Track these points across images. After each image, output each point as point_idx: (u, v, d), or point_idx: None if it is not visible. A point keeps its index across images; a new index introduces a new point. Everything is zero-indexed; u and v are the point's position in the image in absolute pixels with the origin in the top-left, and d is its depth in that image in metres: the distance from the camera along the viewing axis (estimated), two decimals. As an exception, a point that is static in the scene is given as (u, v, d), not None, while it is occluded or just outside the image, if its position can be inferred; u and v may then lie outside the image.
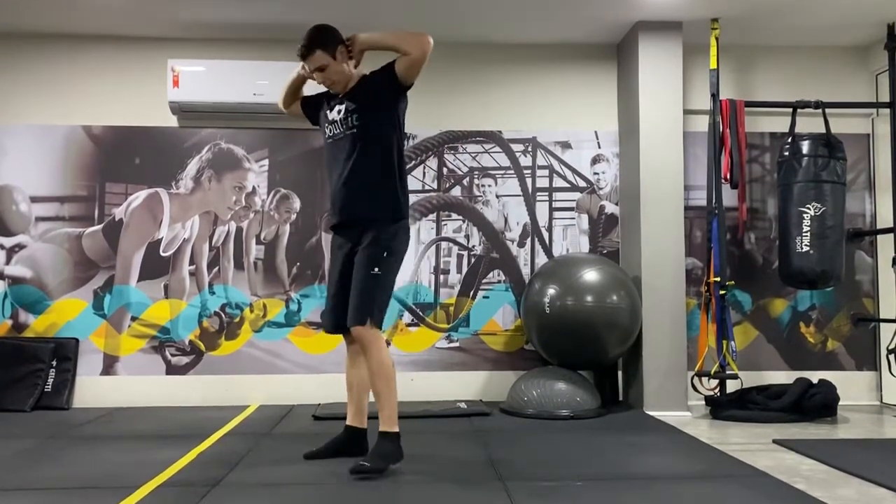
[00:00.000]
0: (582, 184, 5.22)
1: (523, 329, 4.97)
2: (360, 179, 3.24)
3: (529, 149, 5.21)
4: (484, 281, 5.15)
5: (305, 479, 3.09)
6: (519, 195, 5.19)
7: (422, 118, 5.13)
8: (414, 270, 5.09)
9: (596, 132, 5.23)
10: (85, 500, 2.82)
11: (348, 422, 3.41)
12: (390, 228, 3.24)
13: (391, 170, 3.26)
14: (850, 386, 5.00)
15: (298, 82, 3.49)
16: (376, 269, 3.19)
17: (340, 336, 3.41)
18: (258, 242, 5.06)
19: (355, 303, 3.18)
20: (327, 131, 3.37)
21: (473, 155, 5.19)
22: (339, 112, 3.31)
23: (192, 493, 2.85)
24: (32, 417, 4.52)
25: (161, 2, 4.50)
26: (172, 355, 4.96)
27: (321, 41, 3.22)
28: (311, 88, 3.53)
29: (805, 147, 4.69)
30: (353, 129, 3.25)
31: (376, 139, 3.25)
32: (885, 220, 5.06)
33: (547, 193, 5.20)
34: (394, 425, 3.19)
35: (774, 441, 3.83)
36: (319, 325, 5.01)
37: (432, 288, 5.10)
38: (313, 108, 3.51)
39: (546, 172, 5.21)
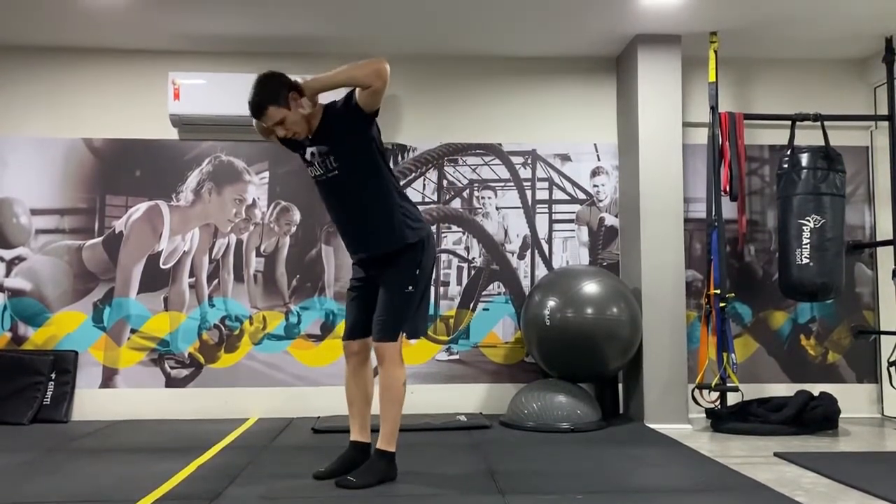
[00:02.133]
0: (581, 196, 5.22)
1: (523, 341, 4.97)
2: (361, 220, 3.18)
3: (529, 161, 5.22)
4: (484, 293, 5.14)
5: (305, 492, 3.08)
6: (519, 207, 5.20)
7: (422, 130, 5.16)
8: (414, 283, 5.09)
9: (595, 145, 5.24)
10: (83, 513, 2.81)
11: (353, 437, 3.32)
12: (415, 248, 3.18)
13: (388, 197, 3.16)
14: (851, 398, 4.99)
15: (265, 131, 3.25)
16: (410, 288, 3.16)
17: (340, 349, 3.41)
18: (258, 255, 5.07)
19: (384, 318, 3.15)
20: (309, 171, 3.24)
21: (473, 167, 5.20)
22: (313, 155, 3.16)
23: (192, 507, 2.84)
24: (31, 430, 4.51)
25: (162, 15, 4.52)
26: (172, 368, 4.95)
27: (270, 97, 3.04)
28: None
29: (804, 159, 4.70)
30: (335, 171, 3.12)
31: (362, 174, 3.13)
32: (884, 233, 5.06)
33: (547, 205, 5.21)
34: (391, 445, 3.19)
35: (775, 454, 3.81)
36: (319, 337, 5.02)
37: (432, 300, 5.10)
38: (290, 141, 3.27)
39: (546, 185, 5.21)
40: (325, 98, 3.18)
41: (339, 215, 3.26)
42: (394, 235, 3.15)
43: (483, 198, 5.20)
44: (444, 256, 5.15)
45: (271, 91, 3.05)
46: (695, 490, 3.14)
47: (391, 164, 3.37)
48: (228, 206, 5.07)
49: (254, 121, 3.25)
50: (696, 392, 4.66)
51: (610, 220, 5.21)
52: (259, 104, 3.06)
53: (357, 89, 3.06)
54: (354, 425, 3.33)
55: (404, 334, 3.23)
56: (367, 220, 3.16)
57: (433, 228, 5.12)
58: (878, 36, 4.86)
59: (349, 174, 3.12)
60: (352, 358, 3.33)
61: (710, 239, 4.78)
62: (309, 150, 3.18)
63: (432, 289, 5.06)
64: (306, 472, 3.33)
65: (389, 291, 3.16)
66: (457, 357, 5.09)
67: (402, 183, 5.10)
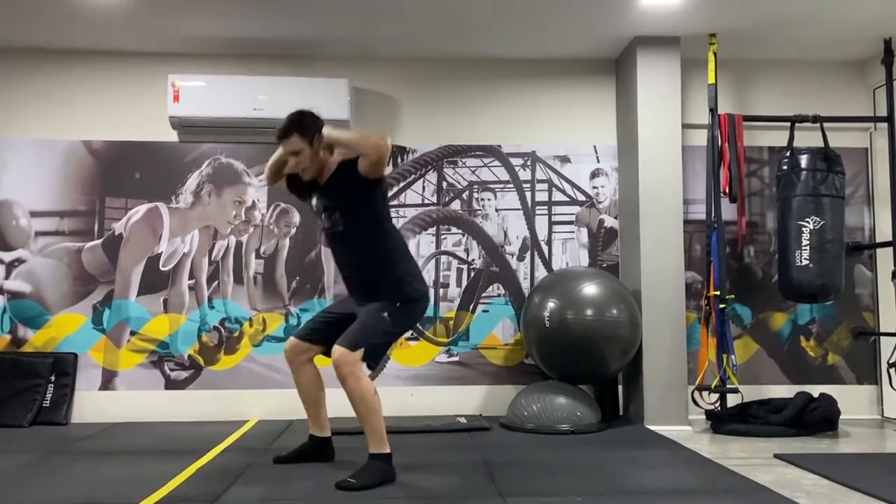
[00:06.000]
0: (581, 198, 5.22)
1: (523, 343, 4.96)
2: (363, 273, 3.36)
3: (528, 163, 5.22)
4: (483, 295, 5.14)
5: (305, 494, 3.08)
6: (518, 209, 5.20)
7: (421, 132, 5.16)
8: (413, 284, 5.09)
9: (595, 146, 5.24)
10: (83, 516, 2.81)
11: (310, 431, 3.61)
12: (406, 302, 3.34)
13: (389, 255, 3.34)
14: (851, 400, 4.99)
15: (282, 162, 3.49)
16: (385, 314, 3.26)
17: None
18: (258, 257, 5.06)
19: (353, 330, 3.25)
20: (317, 221, 3.50)
21: (473, 169, 5.20)
22: (321, 207, 3.39)
23: (191, 509, 2.84)
24: (31, 433, 4.51)
25: (162, 17, 4.53)
26: (171, 370, 4.95)
27: (300, 126, 3.28)
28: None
29: (804, 161, 4.71)
30: (339, 226, 3.34)
31: (366, 232, 3.32)
32: (883, 234, 5.06)
33: (546, 207, 5.21)
34: (382, 447, 3.21)
35: (775, 455, 3.81)
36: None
37: (432, 302, 5.10)
38: (298, 186, 3.55)
39: (545, 186, 5.22)
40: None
41: (342, 265, 3.48)
42: (391, 291, 3.31)
43: (483, 199, 5.20)
44: (443, 258, 5.15)
45: (304, 123, 3.30)
46: (695, 492, 3.14)
47: (396, 227, 3.55)
48: (228, 208, 5.07)
49: (266, 166, 3.59)
50: (696, 394, 4.66)
51: (609, 221, 5.21)
52: (288, 128, 3.30)
53: (359, 161, 3.24)
54: (310, 421, 3.60)
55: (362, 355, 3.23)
56: (368, 275, 3.35)
57: (433, 230, 5.13)
58: (877, 38, 4.87)
59: (353, 231, 3.33)
60: (296, 359, 3.49)
61: (709, 240, 4.78)
62: (317, 200, 3.41)
63: (431, 291, 5.07)
64: (306, 475, 3.34)
65: (366, 312, 3.30)
66: (456, 359, 5.09)
67: (401, 185, 5.12)
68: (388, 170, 5.10)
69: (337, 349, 3.19)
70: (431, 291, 5.09)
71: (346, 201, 3.31)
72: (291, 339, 3.55)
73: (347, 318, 3.36)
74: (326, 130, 3.31)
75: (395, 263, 3.34)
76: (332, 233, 3.40)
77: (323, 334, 3.45)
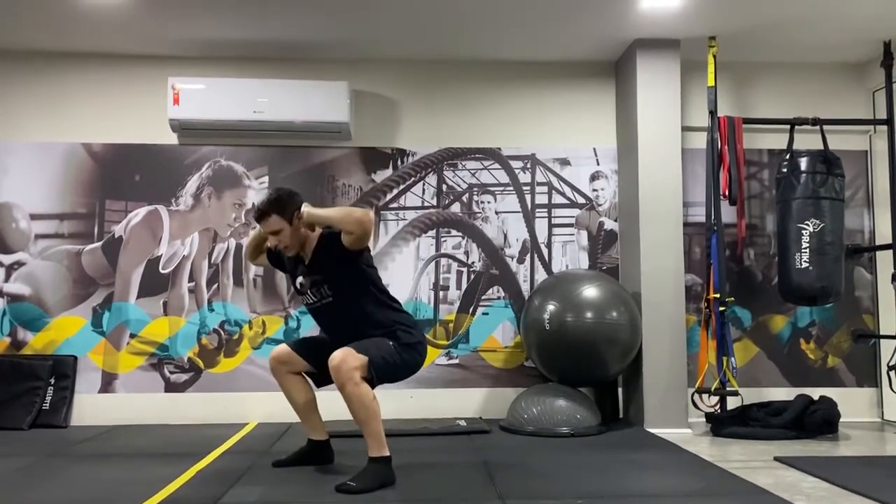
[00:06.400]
0: (581, 200, 5.23)
1: (523, 345, 4.96)
2: (354, 337, 3.28)
3: (528, 165, 5.22)
4: (483, 297, 5.14)
5: (305, 497, 3.08)
6: (518, 212, 5.20)
7: (421, 135, 5.16)
8: (413, 287, 5.09)
9: (595, 149, 5.24)
10: (82, 519, 2.81)
11: (308, 436, 3.63)
12: (402, 343, 3.33)
13: (381, 312, 3.34)
14: (851, 402, 4.98)
15: (262, 238, 3.52)
16: (390, 343, 3.28)
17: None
18: (258, 259, 5.06)
19: (358, 343, 3.22)
20: (302, 299, 3.48)
21: (473, 171, 5.20)
22: (307, 282, 3.38)
23: (191, 512, 2.84)
24: (30, 435, 4.50)
25: (162, 20, 4.53)
26: (171, 372, 4.94)
27: (278, 207, 3.28)
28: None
29: (803, 164, 4.71)
30: (329, 298, 3.34)
31: (354, 299, 3.32)
32: (883, 237, 5.06)
33: (546, 210, 5.21)
34: (382, 450, 3.20)
35: (775, 458, 3.81)
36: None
37: (431, 304, 5.10)
38: (280, 261, 3.59)
39: (545, 189, 5.22)
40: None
41: (332, 331, 3.45)
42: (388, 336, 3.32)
43: (482, 202, 5.20)
44: (443, 261, 5.15)
45: (281, 203, 3.30)
46: (695, 495, 3.13)
47: (383, 289, 3.49)
48: (228, 210, 5.07)
49: (245, 244, 3.67)
50: (696, 396, 4.66)
51: (609, 224, 5.21)
52: (265, 209, 3.31)
53: (342, 236, 3.24)
54: (307, 426, 3.63)
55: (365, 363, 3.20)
56: (360, 335, 3.29)
57: (432, 233, 5.13)
58: (876, 40, 4.88)
59: (342, 300, 3.34)
60: (280, 367, 3.50)
61: (709, 243, 4.78)
62: (302, 276, 3.40)
63: (431, 293, 5.07)
64: (305, 478, 3.34)
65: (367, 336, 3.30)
66: (456, 361, 5.09)
67: (401, 188, 5.12)
68: (389, 171, 5.11)
69: (339, 353, 3.13)
70: (431, 294, 5.09)
71: (333, 274, 3.32)
72: (277, 347, 3.56)
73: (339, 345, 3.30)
74: (306, 209, 3.29)
75: (388, 317, 3.35)
76: (321, 306, 3.39)
77: (309, 348, 3.48)
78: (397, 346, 3.29)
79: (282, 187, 3.43)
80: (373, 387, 3.18)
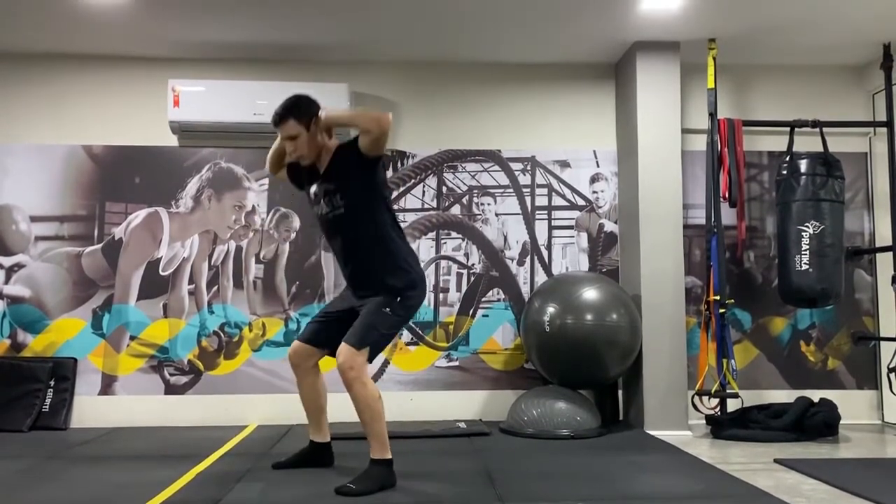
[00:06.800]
0: (581, 202, 5.23)
1: (523, 348, 4.96)
2: (361, 258, 3.30)
3: (528, 167, 5.22)
4: (483, 299, 5.14)
5: (305, 500, 3.07)
6: (518, 214, 5.20)
7: (421, 137, 5.16)
8: (413, 289, 5.09)
9: (594, 151, 5.25)
10: (82, 521, 2.80)
11: (311, 437, 3.60)
12: (405, 292, 3.29)
13: (387, 239, 3.29)
14: (851, 405, 4.98)
15: (282, 150, 3.45)
16: (387, 310, 3.23)
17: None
18: (257, 261, 5.06)
19: (357, 329, 3.21)
20: (315, 209, 3.42)
21: (473, 174, 5.20)
22: (321, 191, 3.33)
23: (191, 514, 2.84)
24: (30, 438, 4.50)
25: (162, 22, 4.53)
26: (171, 375, 4.94)
27: (296, 111, 3.24)
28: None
29: (803, 166, 4.71)
30: (340, 209, 3.28)
31: (365, 216, 3.27)
32: (883, 239, 5.06)
33: (546, 212, 5.21)
34: (384, 452, 3.20)
35: (776, 460, 3.81)
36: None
37: (431, 306, 5.10)
38: (297, 175, 3.52)
39: (545, 191, 5.22)
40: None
41: (340, 252, 3.39)
42: (388, 276, 3.27)
43: (482, 204, 5.20)
44: (443, 263, 5.15)
45: (299, 107, 3.26)
46: (695, 497, 3.13)
47: (395, 213, 3.46)
48: (228, 212, 5.07)
49: (268, 154, 3.53)
50: (696, 398, 4.66)
51: (609, 226, 5.21)
52: (283, 113, 3.25)
53: (359, 138, 3.20)
54: (311, 426, 3.59)
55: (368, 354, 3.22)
56: (366, 259, 3.29)
57: (432, 235, 5.13)
58: (876, 43, 4.88)
59: (353, 213, 3.27)
60: (300, 367, 3.46)
61: (709, 245, 4.78)
62: (315, 187, 3.36)
63: (431, 295, 5.06)
64: (306, 480, 3.33)
65: (367, 310, 3.26)
66: (456, 363, 5.08)
67: (400, 190, 5.12)
68: (390, 173, 5.11)
69: (343, 350, 3.16)
70: (431, 296, 5.09)
71: (346, 183, 3.25)
72: (295, 342, 3.51)
73: (349, 314, 3.32)
74: (324, 112, 3.26)
75: (394, 247, 3.29)
76: (332, 217, 3.31)
77: (325, 335, 3.41)
78: (396, 306, 3.24)
79: (300, 93, 3.32)
80: (371, 361, 3.22)
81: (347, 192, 3.26)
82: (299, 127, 3.23)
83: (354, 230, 3.28)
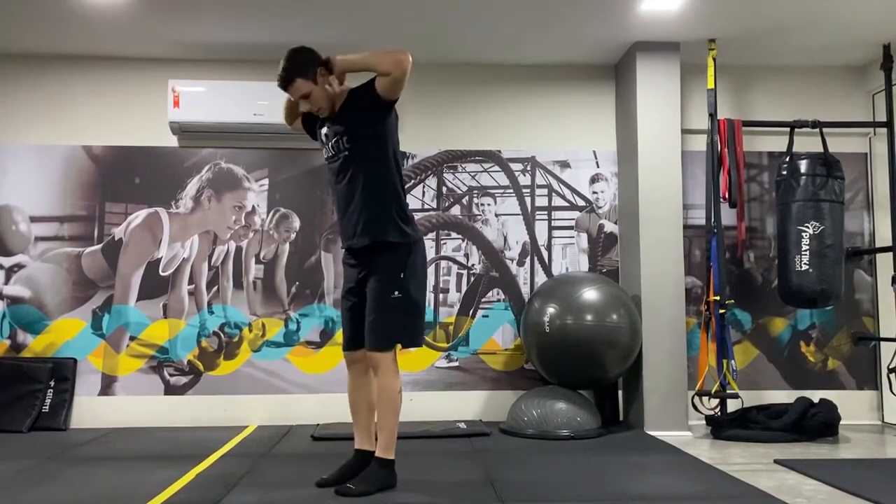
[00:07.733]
0: (581, 203, 5.23)
1: (523, 348, 4.96)
2: (359, 204, 3.16)
3: (528, 168, 5.22)
4: (483, 300, 5.14)
5: (304, 500, 3.07)
6: (518, 214, 5.20)
7: (421, 137, 5.16)
8: (413, 290, 5.09)
9: (594, 152, 5.25)
10: (82, 522, 2.80)
11: (357, 446, 3.32)
12: (402, 249, 3.16)
13: (388, 189, 3.18)
14: (851, 405, 4.98)
15: (294, 102, 3.39)
16: (396, 293, 3.12)
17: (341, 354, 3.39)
18: (257, 262, 5.06)
19: (373, 326, 3.13)
20: (324, 152, 3.32)
21: (473, 174, 5.20)
22: (331, 133, 3.23)
23: (191, 515, 2.84)
24: (30, 438, 4.50)
25: (162, 23, 4.53)
26: (171, 375, 4.94)
27: (298, 69, 3.13)
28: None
29: (803, 166, 4.71)
30: (346, 151, 3.17)
31: (371, 160, 3.16)
32: (883, 239, 5.06)
33: (546, 212, 5.21)
34: (390, 452, 3.18)
35: (776, 461, 3.81)
36: (319, 344, 5.01)
37: (431, 307, 5.10)
38: (311, 124, 3.43)
39: (545, 191, 5.22)
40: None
41: (339, 196, 3.25)
42: (382, 227, 3.14)
43: (482, 205, 5.20)
44: (443, 263, 5.15)
45: (300, 64, 3.14)
46: (695, 498, 3.13)
47: (402, 165, 3.34)
48: (228, 213, 5.07)
49: (282, 107, 3.43)
50: (696, 399, 4.65)
51: (609, 226, 5.21)
52: (287, 76, 3.14)
53: (377, 80, 3.10)
54: (359, 434, 3.32)
55: (399, 344, 3.18)
56: (364, 206, 3.15)
57: (432, 235, 5.13)
58: (876, 43, 4.88)
59: (357, 155, 3.16)
60: (353, 367, 3.32)
61: (709, 245, 4.78)
62: (327, 127, 3.25)
63: (431, 296, 5.06)
64: (306, 480, 3.32)
65: (376, 295, 3.14)
66: (456, 364, 5.08)
67: (401, 190, 5.11)
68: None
69: (371, 356, 3.12)
70: (431, 297, 5.09)
71: (355, 124, 3.15)
72: (343, 351, 3.34)
73: (360, 294, 3.20)
74: (339, 58, 3.13)
75: (392, 201, 3.16)
76: (337, 159, 3.19)
77: (361, 334, 3.22)
78: (402, 283, 3.11)
79: (294, 47, 3.17)
80: (420, 345, 3.20)
81: (354, 135, 3.15)
82: (308, 83, 3.13)
83: (356, 174, 3.16)
